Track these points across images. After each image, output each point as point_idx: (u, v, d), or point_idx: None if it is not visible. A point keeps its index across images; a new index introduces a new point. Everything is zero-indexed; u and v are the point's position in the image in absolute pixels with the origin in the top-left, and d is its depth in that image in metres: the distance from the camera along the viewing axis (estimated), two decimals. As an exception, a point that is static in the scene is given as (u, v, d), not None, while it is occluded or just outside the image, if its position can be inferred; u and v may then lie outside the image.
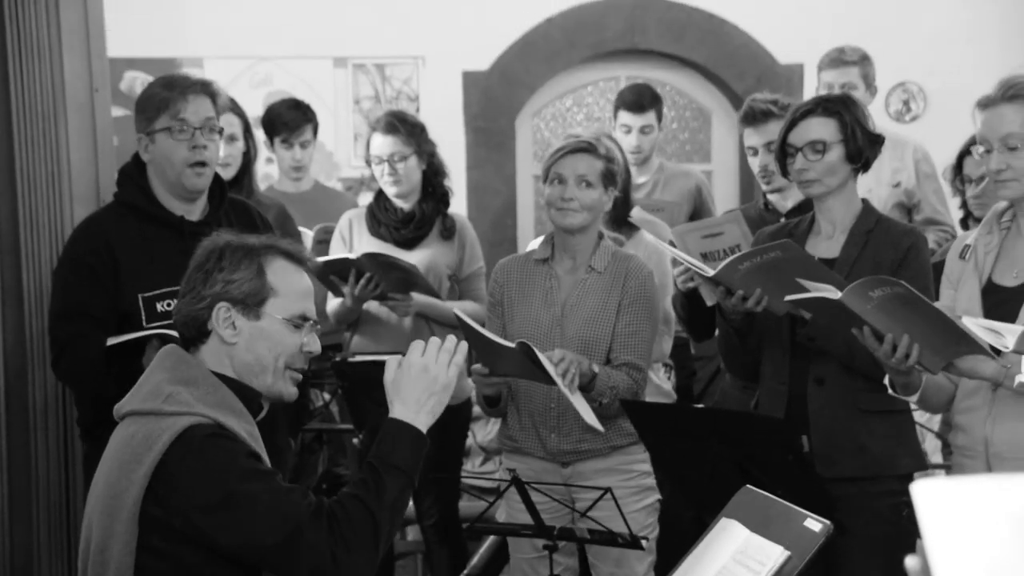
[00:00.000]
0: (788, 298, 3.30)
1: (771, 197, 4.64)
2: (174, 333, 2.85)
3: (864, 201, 3.78)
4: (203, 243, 2.79)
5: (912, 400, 3.39)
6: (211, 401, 2.63)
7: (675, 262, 4.12)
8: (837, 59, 5.54)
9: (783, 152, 3.73)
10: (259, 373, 2.73)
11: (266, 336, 2.72)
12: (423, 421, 2.73)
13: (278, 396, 2.77)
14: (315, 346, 2.78)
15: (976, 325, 3.05)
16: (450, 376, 2.74)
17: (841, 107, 3.70)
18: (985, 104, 3.27)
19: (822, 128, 3.67)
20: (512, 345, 3.62)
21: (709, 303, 4.11)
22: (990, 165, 3.26)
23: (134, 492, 2.55)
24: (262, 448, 2.69)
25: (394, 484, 2.66)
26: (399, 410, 2.72)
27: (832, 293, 3.16)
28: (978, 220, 4.42)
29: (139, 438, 2.59)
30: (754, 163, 4.64)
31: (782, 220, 4.29)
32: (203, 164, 3.76)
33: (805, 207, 4.29)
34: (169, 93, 3.72)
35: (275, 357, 2.73)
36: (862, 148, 3.69)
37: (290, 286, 2.75)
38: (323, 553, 2.55)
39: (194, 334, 2.73)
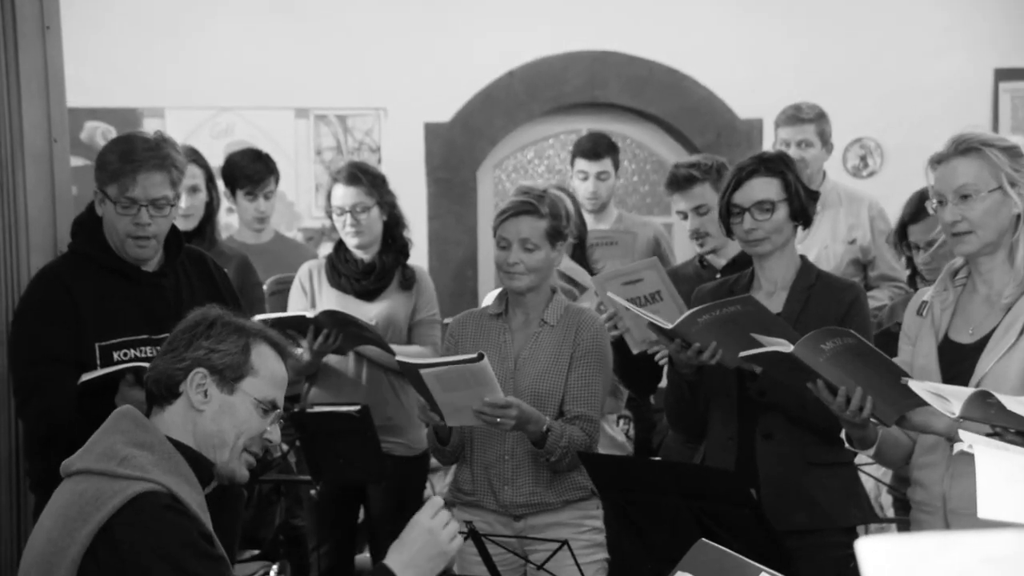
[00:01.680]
0: (742, 354, 3.30)
1: (707, 256, 4.68)
2: (147, 365, 2.86)
3: (802, 257, 3.84)
4: (197, 311, 2.80)
5: (868, 454, 3.39)
6: (165, 467, 2.61)
7: (601, 310, 4.16)
8: (793, 116, 5.60)
9: (728, 212, 3.77)
10: (218, 447, 2.72)
11: (234, 412, 2.72)
12: None
13: (230, 475, 2.76)
14: (276, 436, 2.80)
15: (922, 389, 3.04)
16: (451, 548, 2.75)
17: (782, 166, 3.78)
18: (938, 160, 3.29)
19: (768, 187, 3.74)
20: (473, 355, 3.63)
21: (635, 351, 4.16)
22: (944, 218, 3.27)
23: (74, 551, 2.52)
24: (209, 520, 2.67)
25: None
26: (394, 560, 2.72)
27: (785, 347, 3.17)
28: (927, 280, 4.45)
29: (88, 496, 2.56)
30: (685, 226, 4.70)
31: (718, 276, 4.33)
32: (146, 238, 3.73)
33: (739, 263, 4.33)
34: (121, 166, 3.67)
35: (237, 435, 2.73)
36: (804, 205, 3.77)
37: (270, 371, 2.77)
38: None
39: (163, 393, 2.72)
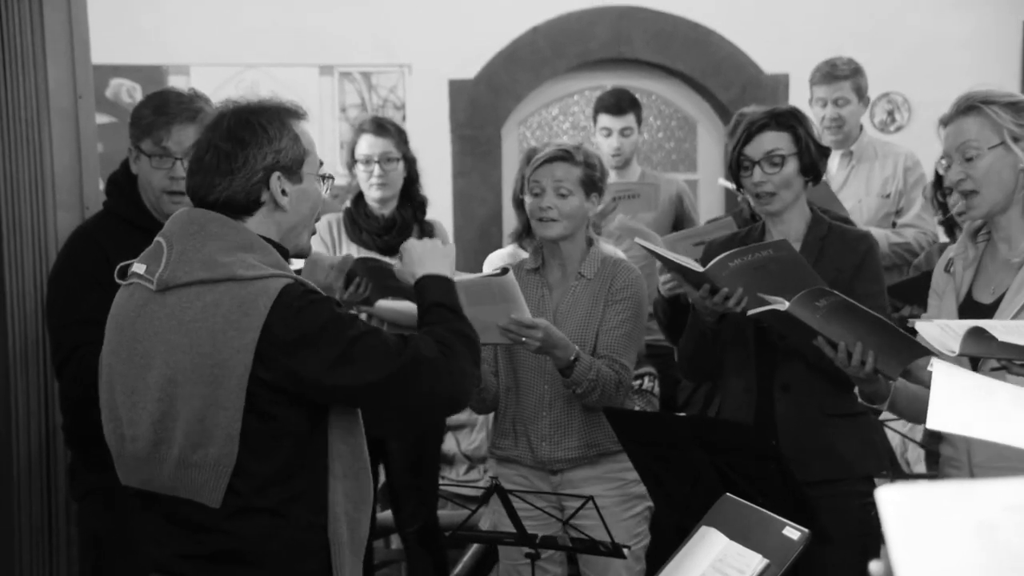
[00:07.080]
0: (751, 312, 3.35)
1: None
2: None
3: (812, 209, 3.82)
4: (210, 116, 2.84)
5: (882, 409, 3.40)
6: (271, 262, 2.70)
7: (661, 270, 4.12)
8: (829, 74, 5.55)
9: (738, 166, 3.77)
10: (301, 231, 2.85)
11: (307, 195, 2.83)
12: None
13: (301, 251, 2.91)
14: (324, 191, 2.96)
15: (930, 328, 3.01)
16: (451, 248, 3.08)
17: (793, 121, 3.75)
18: (946, 121, 3.31)
19: (778, 141, 3.72)
20: (497, 271, 3.67)
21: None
22: (950, 177, 3.30)
23: (244, 359, 2.60)
24: None
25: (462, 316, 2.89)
26: (422, 270, 2.95)
27: (781, 305, 3.19)
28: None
29: (227, 305, 2.62)
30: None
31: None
32: (181, 193, 3.72)
33: None
34: (155, 118, 3.67)
35: (312, 212, 2.86)
36: (815, 160, 3.75)
37: (311, 142, 2.87)
38: (439, 369, 2.70)
39: (243, 209, 2.77)
